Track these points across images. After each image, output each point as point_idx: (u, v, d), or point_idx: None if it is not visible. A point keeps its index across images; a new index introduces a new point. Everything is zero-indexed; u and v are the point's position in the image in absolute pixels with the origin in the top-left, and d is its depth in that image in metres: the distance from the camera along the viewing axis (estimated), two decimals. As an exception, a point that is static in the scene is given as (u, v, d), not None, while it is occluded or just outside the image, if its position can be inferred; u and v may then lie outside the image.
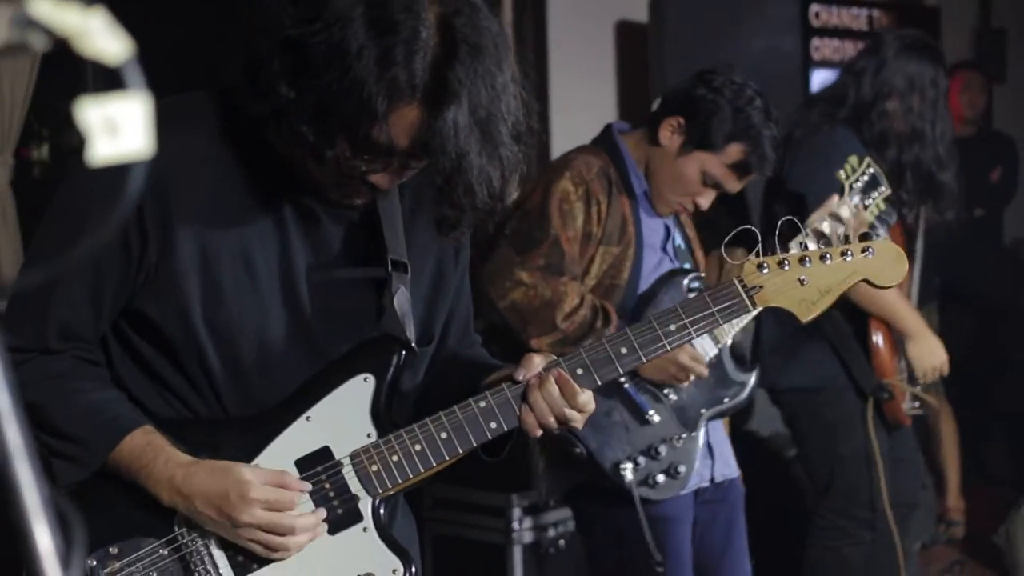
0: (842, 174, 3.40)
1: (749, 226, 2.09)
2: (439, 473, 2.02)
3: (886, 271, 2.08)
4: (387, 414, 1.98)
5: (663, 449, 3.17)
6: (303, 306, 1.96)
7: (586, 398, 1.97)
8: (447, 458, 1.98)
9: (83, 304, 1.91)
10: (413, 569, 1.97)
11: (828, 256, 2.06)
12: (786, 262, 2.05)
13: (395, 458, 1.96)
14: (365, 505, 1.96)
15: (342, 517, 1.95)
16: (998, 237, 7.05)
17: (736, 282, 2.04)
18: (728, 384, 3.33)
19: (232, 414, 1.96)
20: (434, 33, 1.75)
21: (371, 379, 1.97)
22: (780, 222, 2.09)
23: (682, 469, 3.19)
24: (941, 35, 7.36)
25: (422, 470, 1.97)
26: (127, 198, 1.84)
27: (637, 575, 3.21)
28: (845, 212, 3.36)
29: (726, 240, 2.11)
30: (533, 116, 1.90)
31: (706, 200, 3.25)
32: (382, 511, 1.97)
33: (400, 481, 1.96)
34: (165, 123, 1.88)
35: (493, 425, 1.97)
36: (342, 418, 1.96)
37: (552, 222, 3.15)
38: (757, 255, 2.05)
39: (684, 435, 3.21)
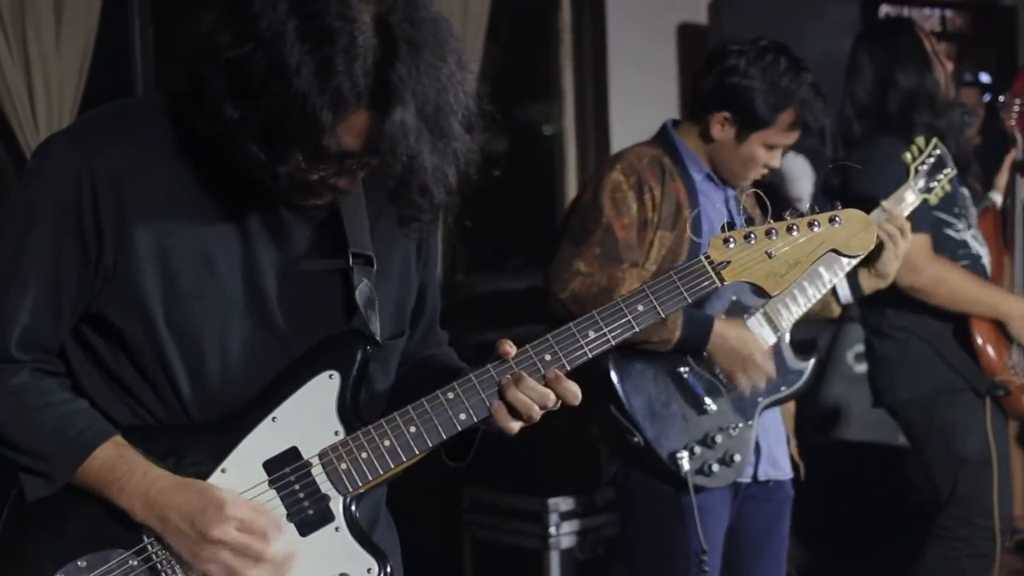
0: (908, 156, 3.38)
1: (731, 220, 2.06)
2: (466, 473, 1.99)
3: (854, 240, 2.05)
4: (354, 410, 1.95)
5: (719, 438, 3.19)
6: (269, 305, 1.93)
7: (572, 384, 1.94)
8: (417, 452, 1.94)
9: (43, 310, 1.89)
10: (389, 568, 1.93)
11: (795, 227, 2.02)
12: (752, 235, 2.01)
13: (364, 455, 1.92)
14: (336, 504, 1.92)
15: (313, 518, 1.92)
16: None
17: (703, 258, 2.01)
18: (786, 372, 3.32)
19: (196, 418, 1.93)
20: (372, 36, 1.71)
21: (336, 376, 1.94)
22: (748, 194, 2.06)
23: (737, 457, 3.20)
24: (1018, 35, 7.20)
25: (392, 466, 1.93)
26: (72, 195, 1.86)
27: (677, 561, 3.21)
28: (910, 196, 3.38)
29: (723, 224, 2.06)
30: (484, 100, 1.86)
31: (775, 160, 3.31)
32: (354, 509, 1.94)
33: (371, 478, 1.93)
34: (117, 125, 1.90)
35: (463, 416, 1.93)
36: (309, 417, 1.93)
37: (604, 212, 3.21)
38: (723, 230, 2.02)
39: (740, 424, 3.22)
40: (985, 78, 6.10)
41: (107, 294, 1.89)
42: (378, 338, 1.96)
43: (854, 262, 3.28)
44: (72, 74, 4.19)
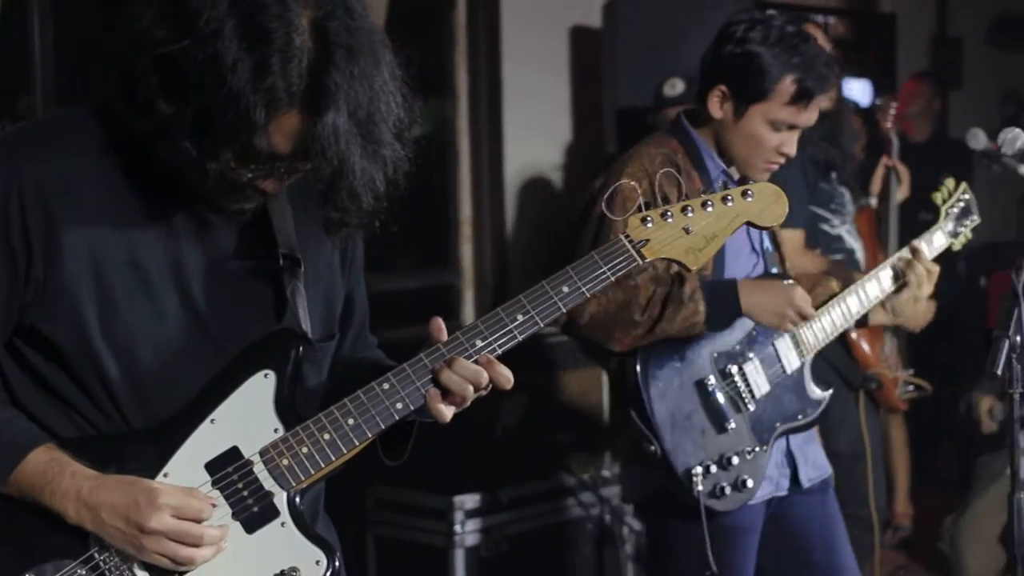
0: (938, 197, 3.34)
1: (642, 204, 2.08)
2: (384, 471, 1.99)
3: (767, 212, 2.12)
4: (291, 408, 1.97)
5: (735, 460, 3.11)
6: (199, 308, 1.95)
7: (503, 367, 1.97)
8: (357, 444, 1.96)
9: None
10: (337, 560, 1.96)
11: (710, 203, 2.09)
12: (669, 213, 2.07)
13: (305, 450, 1.94)
14: (280, 500, 1.94)
15: (258, 515, 1.94)
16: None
17: (623, 237, 2.05)
18: (805, 401, 3.26)
19: (135, 425, 1.93)
20: (308, 38, 1.75)
21: (272, 375, 1.96)
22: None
23: (750, 483, 3.13)
24: (897, 42, 7.38)
25: (333, 459, 1.96)
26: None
27: None
28: (940, 239, 3.32)
29: (639, 204, 2.07)
30: (416, 111, 1.90)
31: (790, 146, 3.10)
32: (298, 502, 1.96)
33: (313, 472, 1.95)
34: (42, 137, 1.91)
35: (399, 406, 1.96)
36: (247, 416, 1.95)
37: (613, 226, 3.04)
38: (640, 210, 2.06)
39: (756, 448, 3.15)
40: (864, 103, 6.15)
41: (39, 307, 1.89)
42: (310, 336, 1.99)
43: (882, 295, 3.26)
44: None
